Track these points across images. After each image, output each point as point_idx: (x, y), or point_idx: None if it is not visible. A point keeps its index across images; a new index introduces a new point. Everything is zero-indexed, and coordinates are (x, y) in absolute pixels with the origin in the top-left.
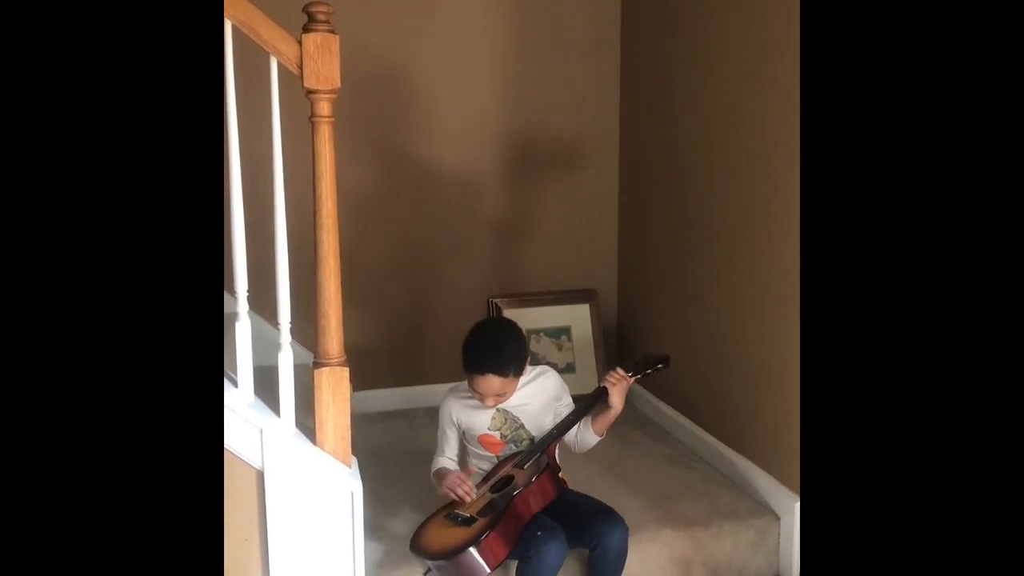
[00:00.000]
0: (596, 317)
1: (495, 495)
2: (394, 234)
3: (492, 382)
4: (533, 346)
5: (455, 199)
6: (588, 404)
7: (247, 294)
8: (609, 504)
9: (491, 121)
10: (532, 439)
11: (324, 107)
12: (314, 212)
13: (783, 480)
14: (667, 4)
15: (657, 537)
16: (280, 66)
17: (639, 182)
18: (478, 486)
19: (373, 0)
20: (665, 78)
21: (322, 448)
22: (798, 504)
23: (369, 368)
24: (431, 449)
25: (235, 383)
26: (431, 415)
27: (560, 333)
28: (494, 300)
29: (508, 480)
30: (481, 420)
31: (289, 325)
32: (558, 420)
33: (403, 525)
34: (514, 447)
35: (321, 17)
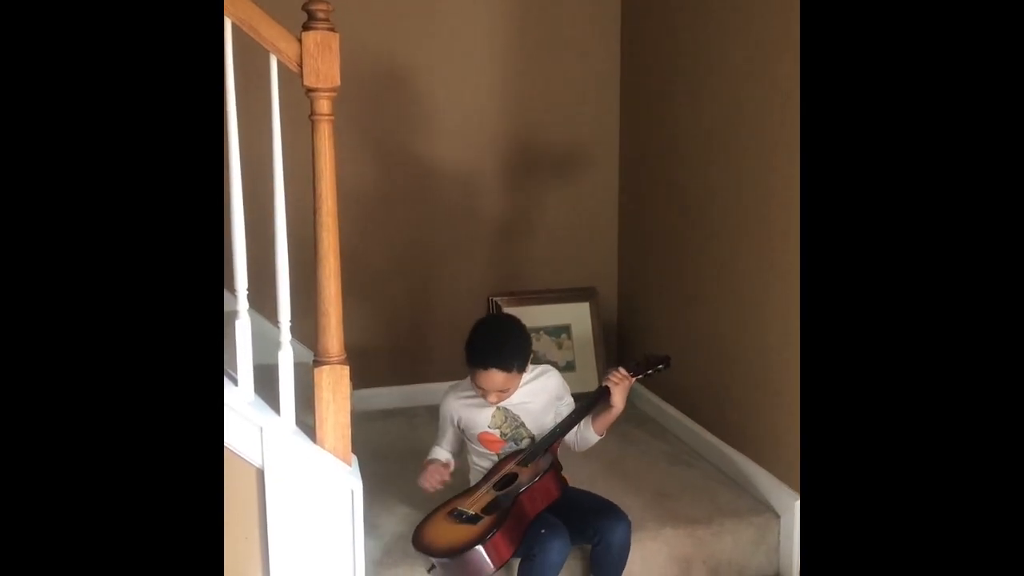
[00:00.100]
0: (596, 315)
1: (498, 493)
2: (394, 233)
3: (495, 377)
4: (533, 344)
5: (455, 198)
6: (590, 403)
7: (247, 292)
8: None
9: (491, 121)
10: (532, 438)
11: (324, 105)
12: (314, 210)
13: (783, 478)
14: (667, 4)
15: (657, 535)
16: (280, 64)
17: (639, 182)
18: (480, 484)
19: (373, 0)
20: (665, 78)
21: (322, 446)
22: (798, 502)
23: (369, 366)
24: (431, 447)
25: (235, 381)
26: (431, 413)
27: (560, 331)
28: (494, 298)
29: (511, 478)
30: (481, 418)
31: (289, 323)
32: (559, 419)
33: (403, 523)
34: (514, 445)
35: (321, 15)
